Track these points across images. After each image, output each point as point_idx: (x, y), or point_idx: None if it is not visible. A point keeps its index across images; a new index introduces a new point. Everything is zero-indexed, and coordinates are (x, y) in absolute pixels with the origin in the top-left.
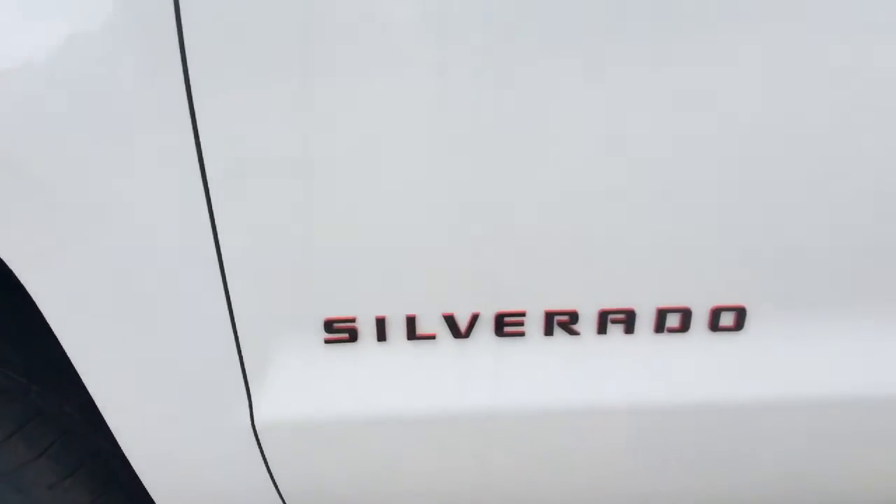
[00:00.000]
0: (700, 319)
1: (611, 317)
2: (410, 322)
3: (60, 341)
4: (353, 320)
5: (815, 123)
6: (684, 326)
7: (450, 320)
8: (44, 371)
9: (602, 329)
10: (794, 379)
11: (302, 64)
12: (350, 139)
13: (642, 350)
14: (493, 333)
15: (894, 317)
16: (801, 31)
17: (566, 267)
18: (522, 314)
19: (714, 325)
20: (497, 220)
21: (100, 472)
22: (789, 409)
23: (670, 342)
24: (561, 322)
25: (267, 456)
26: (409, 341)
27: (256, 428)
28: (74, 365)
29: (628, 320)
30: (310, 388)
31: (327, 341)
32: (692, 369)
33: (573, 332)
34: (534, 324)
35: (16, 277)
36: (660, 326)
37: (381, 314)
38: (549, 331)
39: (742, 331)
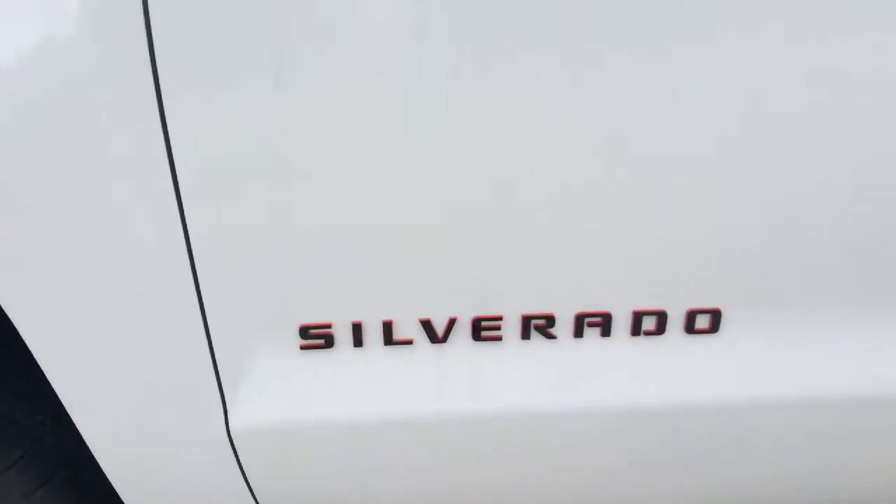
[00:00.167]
0: (676, 322)
1: (587, 320)
2: (387, 327)
3: (31, 349)
4: (328, 326)
5: (788, 126)
6: (660, 329)
7: (427, 325)
8: (14, 380)
9: (579, 332)
10: (768, 380)
11: (273, 68)
12: (324, 144)
13: (619, 353)
14: (471, 338)
15: (868, 319)
16: (762, 37)
17: (542, 271)
18: (499, 318)
19: (690, 328)
20: (473, 224)
21: (74, 481)
22: (765, 409)
23: (647, 345)
24: (538, 326)
25: (242, 462)
26: (386, 347)
27: (231, 434)
28: (45, 373)
29: (605, 323)
30: (285, 394)
31: (303, 347)
32: (668, 371)
33: (550, 336)
34: (511, 328)
35: None
36: (636, 329)
37: (357, 319)
38: (526, 335)
39: (717, 333)
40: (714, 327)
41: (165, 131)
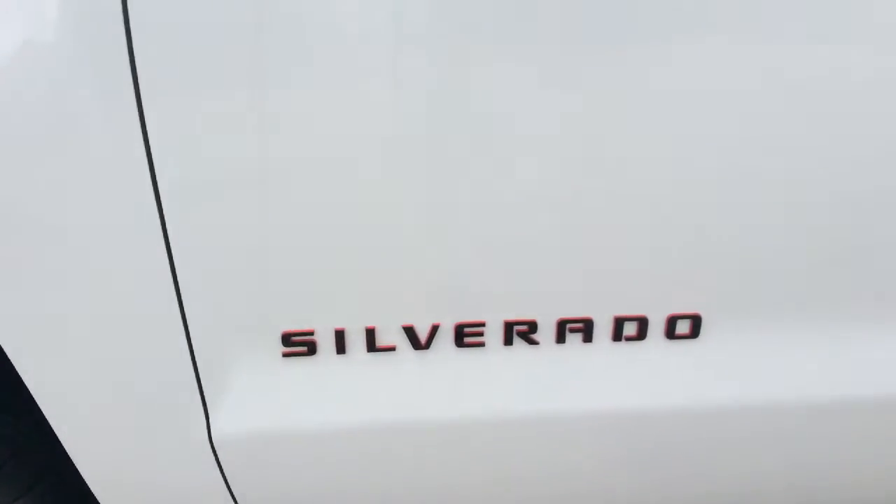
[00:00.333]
0: (656, 327)
1: (569, 326)
2: (370, 334)
3: (11, 359)
4: (311, 333)
5: (768, 132)
6: (641, 334)
7: (409, 332)
8: None
9: (561, 338)
10: (747, 384)
11: (255, 76)
12: (304, 153)
13: (601, 358)
14: (454, 344)
15: (846, 324)
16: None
17: (525, 277)
18: (482, 325)
19: (670, 333)
20: (456, 231)
21: (55, 490)
22: (744, 413)
23: (628, 350)
24: (520, 332)
25: (225, 470)
26: (369, 353)
27: (214, 442)
28: (26, 382)
29: (586, 329)
30: (268, 401)
31: (285, 355)
32: (650, 376)
33: (532, 342)
34: (493, 334)
35: None
36: (617, 335)
37: (339, 326)
38: (508, 340)
39: (697, 338)
40: (694, 332)
41: (146, 139)
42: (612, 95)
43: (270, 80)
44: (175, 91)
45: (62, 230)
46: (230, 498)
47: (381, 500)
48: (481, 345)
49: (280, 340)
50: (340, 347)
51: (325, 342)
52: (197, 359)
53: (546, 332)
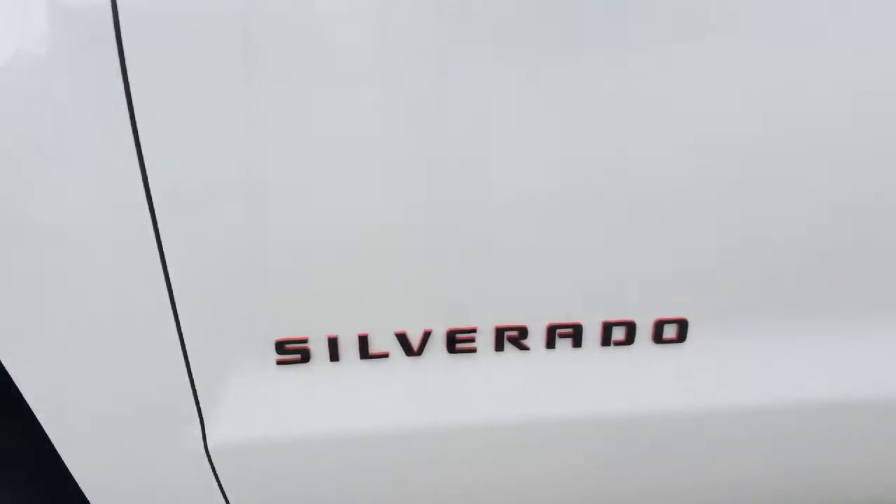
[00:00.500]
0: (644, 332)
1: (559, 331)
2: (363, 341)
3: (4, 365)
4: (304, 341)
5: (754, 137)
6: (629, 339)
7: (402, 338)
8: None
9: (551, 343)
10: (734, 388)
11: (246, 83)
12: (297, 159)
13: (590, 363)
14: (446, 350)
15: (833, 327)
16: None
17: (515, 283)
18: (474, 331)
19: (658, 338)
20: (447, 238)
21: (48, 496)
22: (731, 416)
23: (617, 354)
24: (511, 338)
25: (220, 478)
26: (363, 360)
27: (209, 450)
28: (19, 387)
29: (575, 334)
30: (262, 409)
31: (279, 362)
32: (638, 380)
33: (523, 347)
34: (485, 340)
35: None
36: (606, 340)
37: (332, 334)
38: (499, 346)
39: (684, 342)
40: (681, 337)
41: (139, 147)
42: (602, 101)
43: (263, 85)
44: (168, 99)
45: (55, 236)
46: None
47: None
48: (473, 350)
49: (274, 348)
50: (334, 355)
51: (319, 350)
52: (192, 367)
53: (536, 338)
